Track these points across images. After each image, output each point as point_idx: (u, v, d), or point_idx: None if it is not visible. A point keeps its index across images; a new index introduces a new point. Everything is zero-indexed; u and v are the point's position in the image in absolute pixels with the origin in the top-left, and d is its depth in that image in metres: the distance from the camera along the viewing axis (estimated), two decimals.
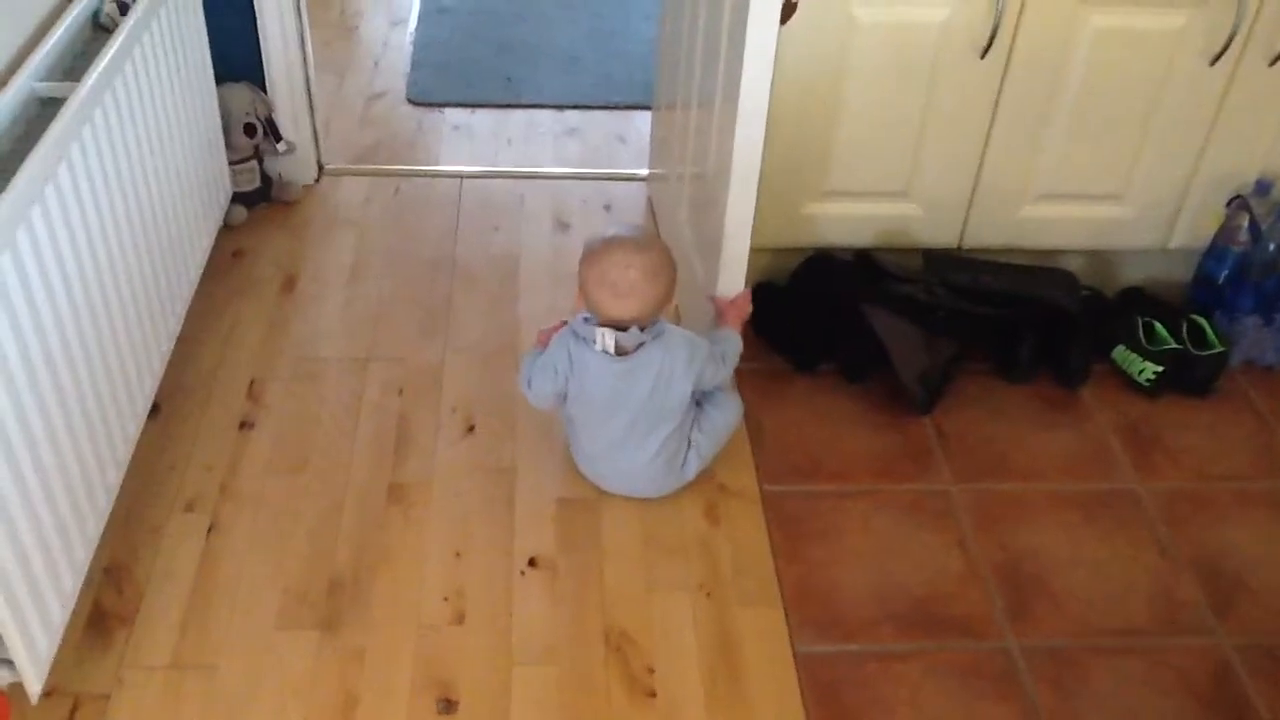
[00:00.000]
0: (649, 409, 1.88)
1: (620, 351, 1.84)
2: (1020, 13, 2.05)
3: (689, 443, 1.95)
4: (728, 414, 2.00)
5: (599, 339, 1.83)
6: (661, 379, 1.86)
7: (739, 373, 2.07)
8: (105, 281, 1.73)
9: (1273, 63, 2.13)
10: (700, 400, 1.97)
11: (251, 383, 2.17)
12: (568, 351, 1.89)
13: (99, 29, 1.91)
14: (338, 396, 2.16)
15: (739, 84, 1.80)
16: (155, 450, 2.00)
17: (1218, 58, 2.11)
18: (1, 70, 1.66)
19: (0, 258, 1.40)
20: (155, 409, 2.01)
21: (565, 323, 1.94)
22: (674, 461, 1.95)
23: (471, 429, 2.10)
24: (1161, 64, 2.13)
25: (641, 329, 1.84)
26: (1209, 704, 1.72)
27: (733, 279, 2.02)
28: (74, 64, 1.79)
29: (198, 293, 2.22)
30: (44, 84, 1.70)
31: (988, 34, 2.05)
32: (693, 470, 1.97)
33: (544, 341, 1.97)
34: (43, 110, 1.66)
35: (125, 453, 1.82)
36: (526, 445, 2.07)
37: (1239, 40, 2.09)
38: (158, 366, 1.99)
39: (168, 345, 2.04)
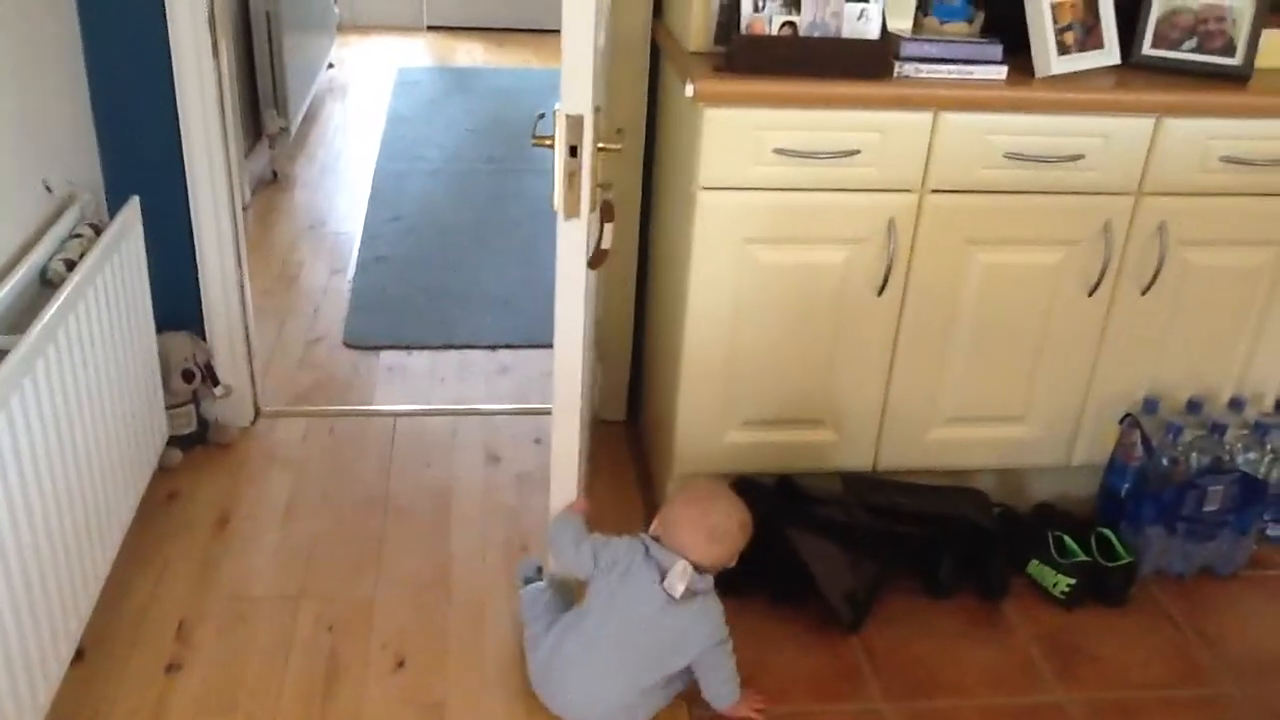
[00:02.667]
0: (656, 655, 1.93)
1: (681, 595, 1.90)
2: (911, 253, 2.24)
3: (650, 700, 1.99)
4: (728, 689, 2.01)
5: (677, 571, 1.88)
6: (687, 633, 1.93)
7: None
8: (36, 526, 1.76)
9: (1144, 291, 2.32)
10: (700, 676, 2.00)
11: (181, 624, 2.16)
12: (628, 558, 1.94)
13: (46, 284, 2.01)
14: (268, 635, 2.15)
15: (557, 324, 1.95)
16: (78, 697, 1.96)
17: (1094, 289, 2.30)
18: None
19: None
20: (79, 654, 1.99)
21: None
22: (634, 712, 1.97)
23: (401, 664, 2.10)
24: (1045, 295, 2.31)
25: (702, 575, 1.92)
26: None
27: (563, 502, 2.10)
28: (19, 318, 1.87)
29: (130, 535, 2.23)
30: None
31: (883, 273, 2.23)
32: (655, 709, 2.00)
33: (581, 509, 2.07)
34: None
35: (46, 699, 1.79)
36: (457, 679, 2.06)
37: (1111, 273, 2.29)
38: (85, 610, 1.98)
39: (95, 588, 2.04)
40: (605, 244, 1.88)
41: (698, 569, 1.92)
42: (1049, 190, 2.21)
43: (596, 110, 1.77)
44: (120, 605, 2.18)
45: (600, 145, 1.79)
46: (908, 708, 2.07)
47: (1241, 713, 2.11)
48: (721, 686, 1.99)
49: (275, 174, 4.37)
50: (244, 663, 2.08)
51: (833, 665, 2.16)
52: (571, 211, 1.81)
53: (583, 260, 1.87)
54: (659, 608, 1.90)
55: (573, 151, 1.76)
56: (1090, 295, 2.32)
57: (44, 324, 1.80)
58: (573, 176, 1.78)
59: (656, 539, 1.96)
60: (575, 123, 1.75)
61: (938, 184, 2.19)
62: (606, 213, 1.87)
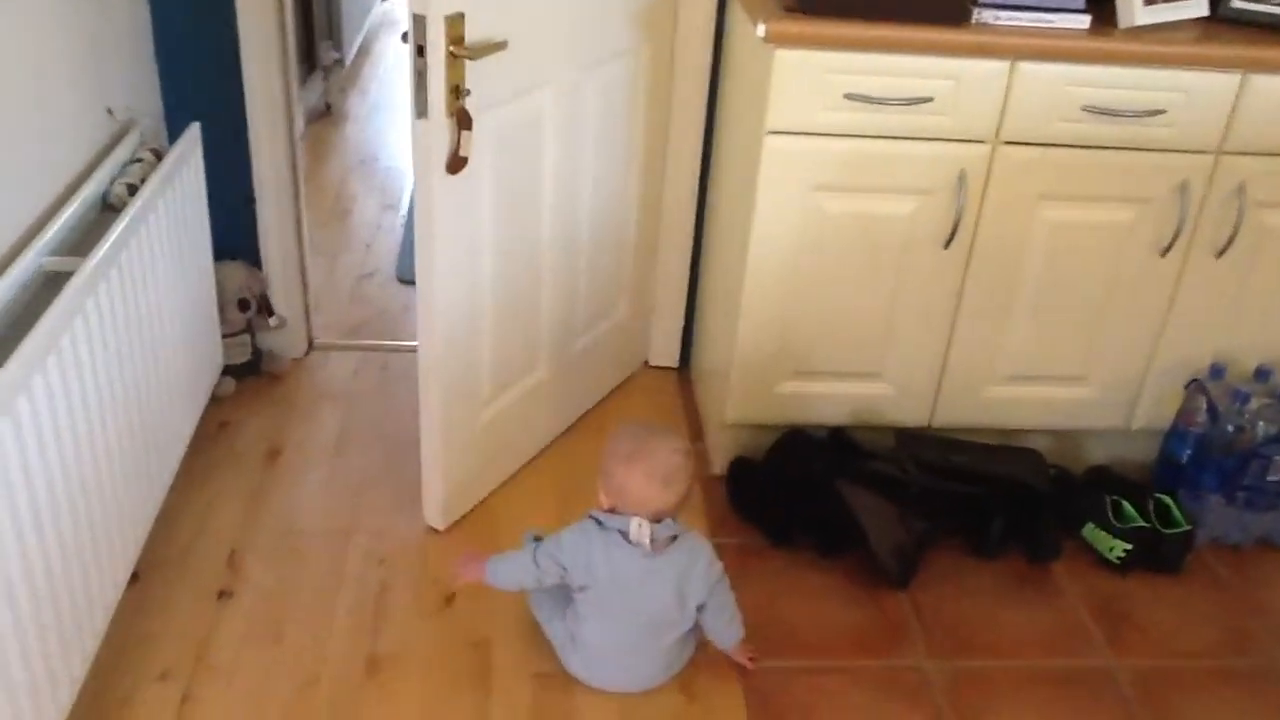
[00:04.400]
0: (669, 610, 1.88)
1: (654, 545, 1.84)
2: (980, 207, 2.19)
3: (690, 642, 1.97)
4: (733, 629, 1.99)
5: (634, 530, 1.82)
6: (684, 577, 1.88)
7: (715, 548, 2.09)
8: (97, 450, 1.77)
9: (1219, 254, 2.26)
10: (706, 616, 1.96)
11: (232, 553, 2.18)
12: (588, 546, 1.87)
13: (108, 208, 2.01)
14: (318, 567, 2.16)
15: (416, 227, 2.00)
16: (131, 619, 1.99)
17: (1167, 250, 2.24)
18: (13, 244, 1.74)
19: (2, 424, 1.44)
20: (134, 577, 2.01)
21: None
22: (674, 664, 1.96)
23: (450, 600, 2.11)
24: (1115, 255, 2.25)
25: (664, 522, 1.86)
26: None
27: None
28: (82, 240, 1.87)
29: (184, 462, 2.25)
30: (52, 259, 1.78)
31: (950, 226, 2.18)
32: (689, 656, 1.98)
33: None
34: (49, 284, 1.73)
35: (103, 621, 1.82)
36: (505, 619, 2.07)
37: (1185, 234, 2.22)
38: (140, 535, 2.00)
39: (151, 513, 2.06)
40: (463, 151, 1.90)
41: (659, 519, 1.85)
42: (1126, 146, 2.15)
43: (458, 16, 1.82)
44: (173, 532, 2.20)
45: (452, 49, 1.82)
46: (951, 666, 2.06)
47: None
48: (728, 626, 1.95)
49: (328, 106, 4.35)
50: (293, 593, 2.10)
51: (878, 620, 2.15)
52: (420, 112, 1.86)
53: (439, 162, 1.89)
54: (644, 567, 1.85)
55: (420, 51, 1.81)
56: (1162, 256, 2.25)
57: (107, 246, 1.79)
58: (420, 76, 1.83)
59: (611, 511, 1.87)
60: (419, 22, 1.80)
61: (1011, 136, 2.12)
62: (463, 120, 1.88)
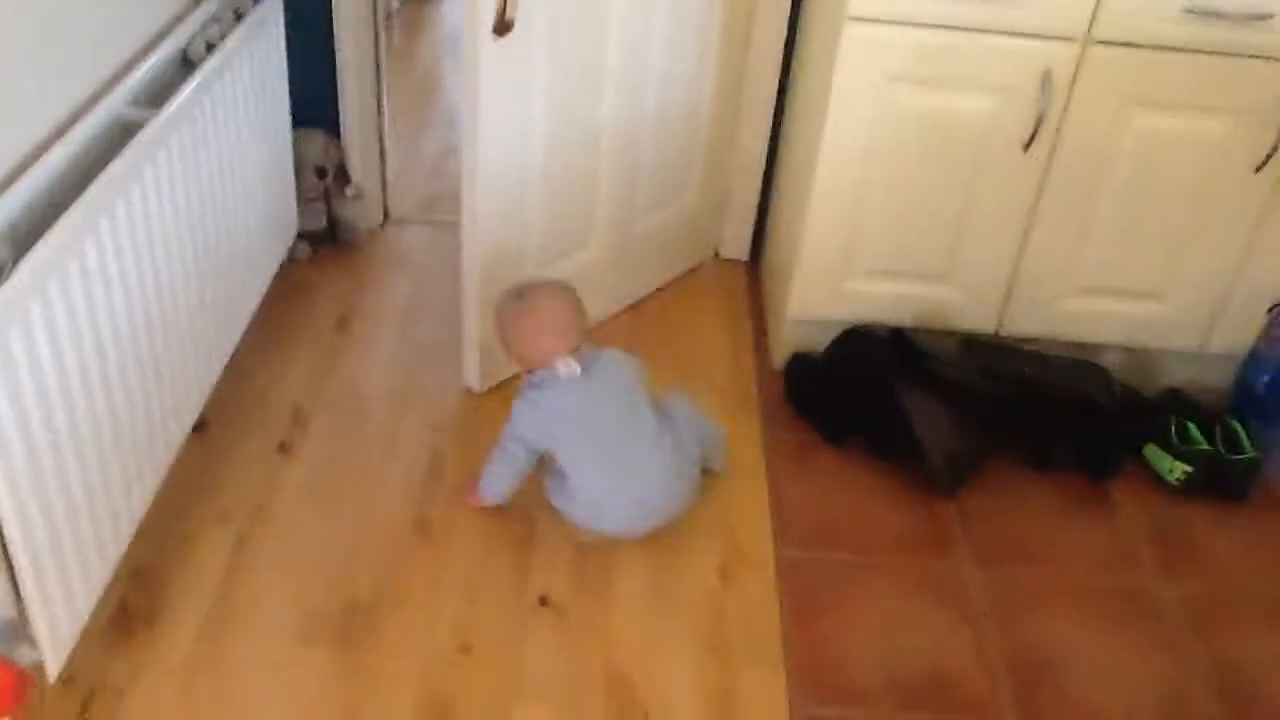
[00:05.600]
0: (632, 409, 1.97)
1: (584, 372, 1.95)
2: (1065, 108, 2.10)
3: (683, 444, 2.01)
4: (705, 424, 2.10)
5: (563, 371, 1.92)
6: (624, 383, 1.98)
7: (768, 441, 2.14)
8: (165, 294, 1.83)
9: None
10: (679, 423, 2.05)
11: (296, 409, 2.26)
12: (535, 412, 1.95)
13: (186, 64, 2.04)
14: (377, 429, 2.23)
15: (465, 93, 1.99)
16: (196, 464, 2.08)
17: (1262, 165, 2.13)
18: (94, 92, 1.79)
19: (69, 262, 1.50)
20: (202, 424, 2.10)
21: None
22: (681, 461, 2.00)
23: None
24: (1206, 168, 2.16)
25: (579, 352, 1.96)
26: None
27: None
28: (160, 94, 1.91)
29: (255, 320, 2.32)
30: (131, 109, 1.82)
31: (1031, 127, 2.10)
32: (694, 463, 2.03)
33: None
34: (125, 133, 1.78)
35: (166, 459, 1.91)
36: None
37: None
38: (208, 383, 2.08)
39: (220, 364, 2.13)
40: (510, 12, 1.87)
41: (574, 351, 1.93)
42: (1228, 52, 2.04)
43: None
44: (242, 385, 2.28)
45: None
46: (994, 574, 2.04)
47: None
48: (704, 425, 2.08)
49: None
50: (352, 452, 2.17)
51: (925, 524, 2.14)
52: None
53: (486, 22, 1.87)
54: (583, 389, 1.93)
55: None
56: (1257, 172, 2.15)
57: (182, 99, 1.83)
58: None
59: (532, 371, 1.97)
60: None
61: (1103, 35, 2.03)
62: None
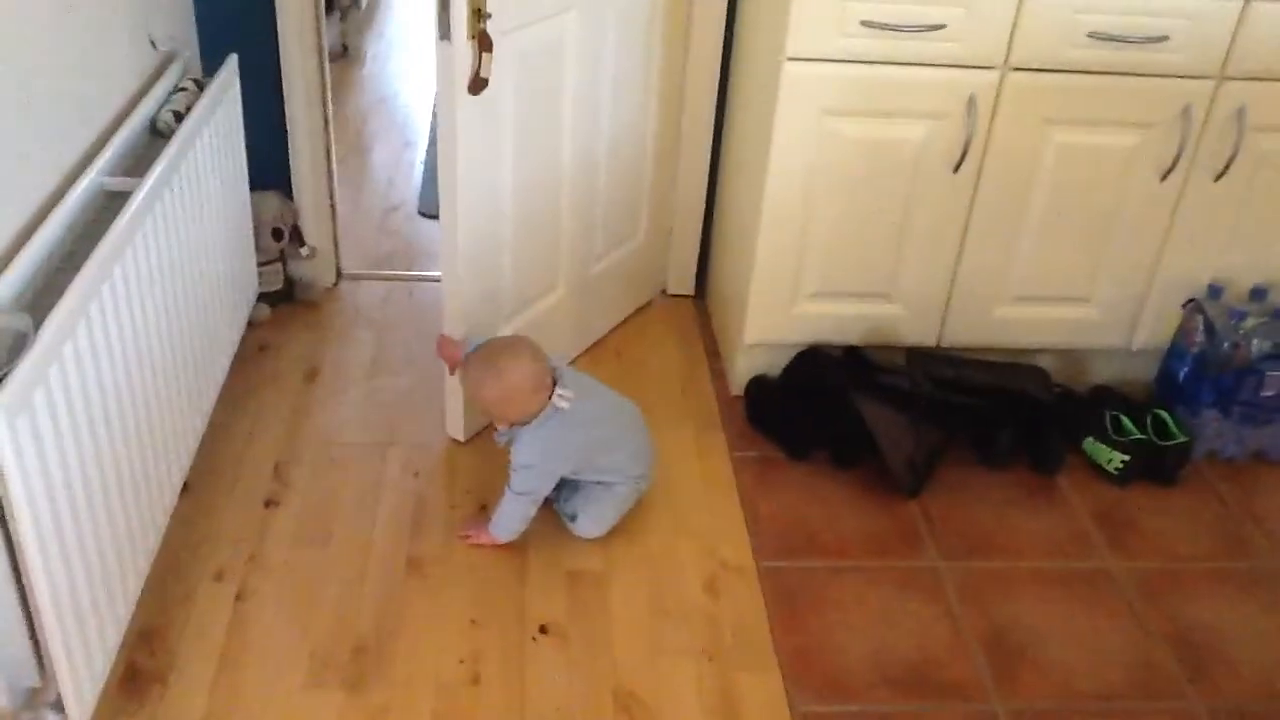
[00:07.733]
0: (594, 380, 2.20)
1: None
2: (989, 131, 2.27)
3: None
4: None
5: (561, 403, 2.04)
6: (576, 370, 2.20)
7: (737, 461, 2.27)
8: (155, 363, 1.88)
9: (1217, 179, 2.35)
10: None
11: (277, 465, 2.29)
12: (562, 444, 2.07)
13: (155, 134, 2.09)
14: (359, 477, 2.28)
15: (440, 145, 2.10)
16: (185, 526, 2.11)
17: (1167, 174, 2.33)
18: (75, 165, 1.83)
19: (77, 328, 1.55)
20: (185, 488, 2.13)
21: None
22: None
23: (484, 508, 2.22)
24: (1118, 178, 2.35)
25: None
26: None
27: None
28: (135, 163, 1.96)
29: (226, 382, 2.36)
30: (111, 179, 1.87)
31: (960, 150, 2.27)
32: None
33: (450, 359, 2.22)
34: (108, 203, 1.83)
35: (162, 520, 1.94)
36: (536, 523, 2.18)
37: (1185, 159, 2.31)
38: (194, 443, 2.12)
39: (203, 423, 2.17)
40: (484, 72, 2.00)
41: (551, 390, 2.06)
42: (1130, 72, 2.23)
43: None
44: (220, 446, 2.31)
45: None
46: (963, 566, 2.18)
47: None
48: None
49: (345, 47, 4.41)
50: (337, 501, 2.22)
51: (891, 526, 2.27)
52: (443, 34, 1.95)
53: (461, 83, 1.99)
54: (579, 395, 2.06)
55: None
56: (1163, 180, 2.34)
57: (163, 166, 1.89)
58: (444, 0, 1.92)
59: (527, 422, 2.07)
60: None
61: (1020, 61, 2.21)
62: (484, 42, 1.98)
